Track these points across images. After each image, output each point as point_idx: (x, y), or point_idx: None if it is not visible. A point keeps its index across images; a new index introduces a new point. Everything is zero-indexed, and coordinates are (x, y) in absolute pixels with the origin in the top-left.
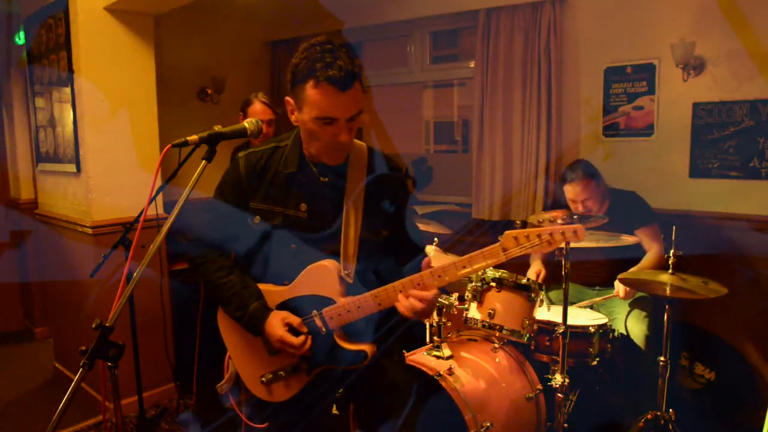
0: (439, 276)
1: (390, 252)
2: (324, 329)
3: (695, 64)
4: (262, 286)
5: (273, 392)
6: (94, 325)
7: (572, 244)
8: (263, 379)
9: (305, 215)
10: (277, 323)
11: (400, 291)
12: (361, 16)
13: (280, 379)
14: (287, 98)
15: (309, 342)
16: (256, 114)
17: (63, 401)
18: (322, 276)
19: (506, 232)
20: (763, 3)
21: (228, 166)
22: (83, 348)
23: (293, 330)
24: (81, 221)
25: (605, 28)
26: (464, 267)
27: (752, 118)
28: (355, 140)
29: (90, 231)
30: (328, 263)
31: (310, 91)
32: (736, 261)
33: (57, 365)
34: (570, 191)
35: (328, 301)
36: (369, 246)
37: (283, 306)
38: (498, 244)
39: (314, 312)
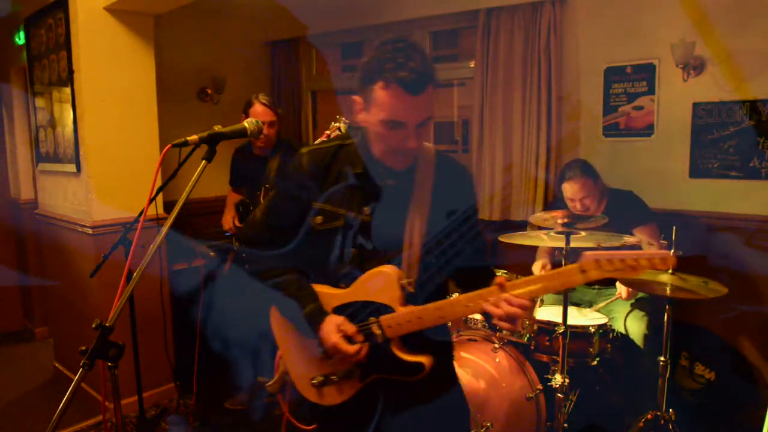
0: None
1: (456, 262)
2: (381, 337)
3: (695, 64)
4: (317, 287)
5: (323, 395)
6: (94, 325)
7: (572, 244)
8: (314, 381)
9: (369, 218)
10: (332, 329)
11: (466, 305)
12: (361, 16)
13: (332, 383)
14: (355, 97)
15: (364, 351)
16: (257, 115)
17: (63, 401)
18: (382, 282)
19: (586, 253)
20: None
21: (228, 165)
22: (83, 348)
23: (348, 338)
24: (81, 221)
25: (605, 28)
26: (536, 286)
27: (752, 118)
28: (424, 143)
29: (90, 231)
30: (389, 269)
31: (379, 92)
32: (736, 261)
33: (57, 365)
34: (568, 189)
35: (386, 309)
36: (433, 254)
37: (339, 310)
38: (576, 264)
39: (372, 319)
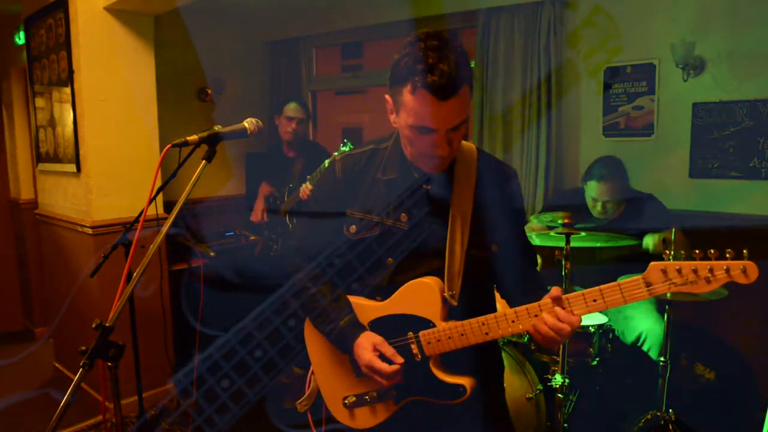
0: (563, 308)
1: (502, 271)
2: (419, 355)
3: (695, 64)
4: (353, 299)
5: (356, 417)
6: (94, 325)
7: (572, 244)
8: (346, 401)
9: (406, 226)
10: (367, 345)
11: (514, 321)
12: (362, 16)
13: (365, 403)
14: (387, 96)
15: (399, 375)
16: (289, 111)
17: (63, 401)
18: (423, 295)
19: (652, 263)
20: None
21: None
22: (83, 348)
23: (385, 359)
24: (81, 221)
25: (605, 28)
26: (594, 300)
27: (752, 118)
28: (463, 142)
29: (90, 231)
30: (431, 281)
31: (407, 96)
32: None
33: (57, 365)
34: (594, 189)
35: (426, 323)
36: (477, 264)
37: (375, 323)
38: (640, 276)
39: (410, 334)
